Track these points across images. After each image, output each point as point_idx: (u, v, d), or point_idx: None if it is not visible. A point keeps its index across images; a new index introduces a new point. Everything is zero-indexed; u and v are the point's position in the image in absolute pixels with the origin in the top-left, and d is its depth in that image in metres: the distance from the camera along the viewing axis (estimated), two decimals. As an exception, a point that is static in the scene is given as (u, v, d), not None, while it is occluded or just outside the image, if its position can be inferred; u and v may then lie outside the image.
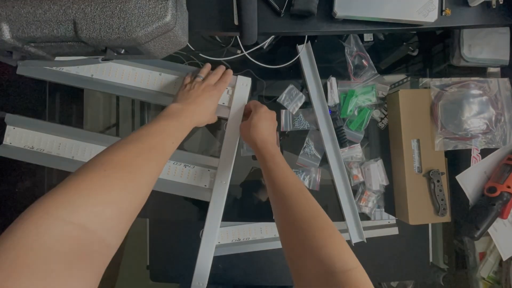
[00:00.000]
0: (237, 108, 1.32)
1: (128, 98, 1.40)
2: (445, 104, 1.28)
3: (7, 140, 1.35)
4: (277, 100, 1.40)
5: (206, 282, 1.27)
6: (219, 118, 1.33)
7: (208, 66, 1.31)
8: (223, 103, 1.33)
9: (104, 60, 1.00)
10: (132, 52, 0.98)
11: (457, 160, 1.36)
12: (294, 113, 1.40)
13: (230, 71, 1.30)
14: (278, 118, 1.38)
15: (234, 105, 1.31)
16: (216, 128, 1.44)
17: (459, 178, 1.34)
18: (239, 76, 1.32)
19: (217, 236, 1.30)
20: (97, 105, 1.44)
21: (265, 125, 1.19)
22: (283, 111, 1.40)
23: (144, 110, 1.51)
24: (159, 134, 0.94)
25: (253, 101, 1.31)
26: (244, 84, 1.32)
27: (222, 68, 1.30)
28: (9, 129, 1.36)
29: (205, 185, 1.32)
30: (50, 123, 1.35)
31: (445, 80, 1.32)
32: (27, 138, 1.35)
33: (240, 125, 1.28)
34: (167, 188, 1.31)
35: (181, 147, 1.21)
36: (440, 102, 1.29)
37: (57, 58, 1.05)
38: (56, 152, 1.34)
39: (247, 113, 1.30)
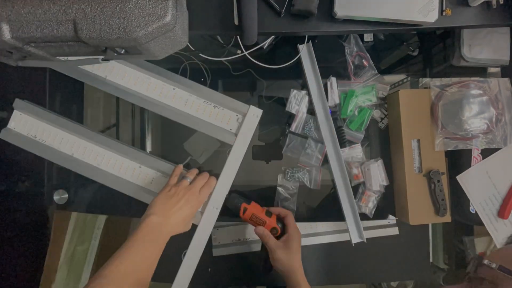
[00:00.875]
0: (243, 137, 1.32)
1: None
2: (445, 104, 1.28)
3: (11, 124, 1.35)
4: (286, 109, 1.39)
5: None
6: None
7: (195, 170, 1.31)
8: (230, 129, 1.34)
9: (104, 60, 1.00)
10: (132, 52, 0.98)
11: (457, 160, 1.36)
12: (305, 113, 1.40)
13: (214, 178, 1.31)
14: (291, 120, 1.39)
15: (241, 133, 1.31)
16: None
17: (459, 178, 1.34)
18: (251, 107, 1.32)
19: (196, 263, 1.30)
20: (97, 105, 1.43)
21: (299, 254, 1.21)
22: (298, 115, 1.39)
23: (144, 110, 1.51)
24: (142, 271, 1.03)
25: (289, 215, 1.28)
26: (255, 115, 1.32)
27: (207, 174, 1.31)
28: (15, 114, 1.36)
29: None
30: (58, 116, 1.35)
31: (445, 80, 1.32)
32: (32, 127, 1.35)
33: (275, 256, 1.19)
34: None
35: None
36: (440, 102, 1.29)
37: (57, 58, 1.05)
38: (57, 146, 1.34)
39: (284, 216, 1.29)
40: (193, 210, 1.19)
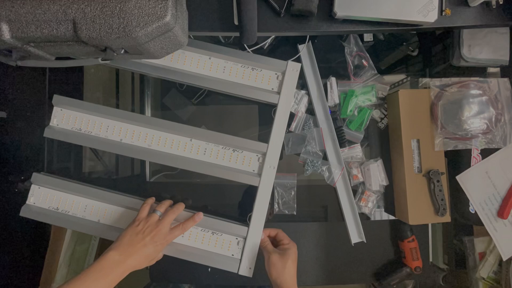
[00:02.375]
0: (286, 94, 1.30)
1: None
2: (445, 104, 1.28)
3: (54, 121, 1.33)
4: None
5: (254, 265, 1.27)
6: (269, 104, 1.33)
7: (168, 202, 1.28)
8: (272, 89, 1.33)
9: (104, 60, 1.00)
10: (132, 51, 0.98)
11: (457, 160, 1.36)
12: (304, 113, 1.40)
13: (195, 218, 1.26)
14: (291, 119, 1.38)
15: (283, 91, 1.30)
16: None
17: (459, 178, 1.34)
18: (289, 62, 1.31)
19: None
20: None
21: (295, 265, 1.18)
22: (297, 115, 1.39)
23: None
24: None
25: (279, 231, 1.27)
26: (294, 69, 1.31)
27: (182, 206, 1.27)
28: (56, 110, 1.33)
29: (253, 170, 1.31)
30: (96, 104, 1.33)
31: (445, 80, 1.32)
32: (75, 120, 1.33)
33: (271, 259, 1.17)
34: (219, 173, 1.30)
35: (226, 131, 1.28)
36: (440, 102, 1.29)
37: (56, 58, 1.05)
38: (104, 134, 1.32)
39: (278, 237, 1.27)
40: (157, 248, 1.15)
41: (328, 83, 1.39)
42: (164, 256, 1.23)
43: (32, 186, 1.33)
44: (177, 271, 1.46)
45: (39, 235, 1.61)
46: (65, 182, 1.32)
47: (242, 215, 1.35)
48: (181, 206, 1.25)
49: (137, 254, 1.10)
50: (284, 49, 1.43)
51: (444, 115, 1.28)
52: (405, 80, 1.47)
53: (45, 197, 1.33)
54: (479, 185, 1.34)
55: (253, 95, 1.31)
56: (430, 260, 1.51)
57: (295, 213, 1.40)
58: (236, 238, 1.29)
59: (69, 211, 1.32)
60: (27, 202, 1.33)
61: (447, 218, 1.30)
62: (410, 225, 1.35)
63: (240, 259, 1.26)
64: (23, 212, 1.31)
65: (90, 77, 1.56)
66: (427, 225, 1.50)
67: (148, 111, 1.54)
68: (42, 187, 1.34)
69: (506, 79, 1.32)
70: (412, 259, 1.39)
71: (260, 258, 1.23)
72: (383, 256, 1.45)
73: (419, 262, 1.40)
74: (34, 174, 1.33)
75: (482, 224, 1.34)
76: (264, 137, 1.33)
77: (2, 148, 1.44)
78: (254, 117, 1.48)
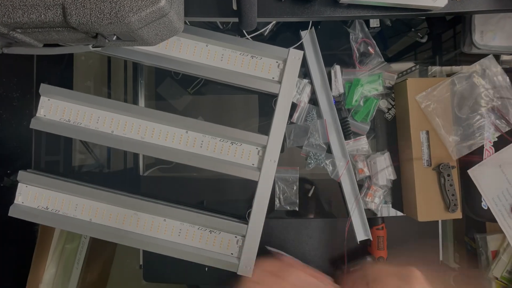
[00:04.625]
0: (288, 83, 1.30)
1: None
2: (456, 93, 1.28)
3: (41, 112, 1.32)
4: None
5: (253, 265, 1.27)
6: (269, 94, 1.33)
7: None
8: (273, 78, 1.33)
9: (95, 47, 1.00)
10: (125, 38, 0.98)
11: (469, 153, 1.35)
12: (307, 103, 1.40)
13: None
14: (293, 109, 1.39)
15: (285, 80, 1.30)
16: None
17: (471, 172, 1.34)
18: (291, 49, 1.30)
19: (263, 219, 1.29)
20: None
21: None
22: (300, 105, 1.39)
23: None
24: None
25: (278, 262, 1.17)
26: (296, 57, 1.30)
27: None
28: (43, 100, 1.32)
29: (253, 164, 1.32)
30: (88, 94, 1.31)
31: (456, 69, 1.32)
32: (63, 110, 1.32)
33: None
34: (217, 167, 1.30)
35: (224, 122, 1.27)
36: (451, 91, 1.29)
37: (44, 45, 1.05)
38: (95, 126, 1.31)
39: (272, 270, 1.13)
40: None
41: (332, 71, 1.39)
42: (159, 255, 1.24)
43: (20, 184, 1.33)
44: (172, 271, 1.47)
45: (26, 232, 1.62)
46: (54, 181, 1.32)
47: (241, 212, 1.36)
48: None
49: None
50: (285, 36, 1.43)
51: (455, 105, 1.28)
52: (413, 68, 1.47)
53: (34, 196, 1.33)
54: (492, 179, 1.34)
55: (252, 84, 1.30)
56: (440, 259, 1.51)
57: (297, 209, 1.41)
58: (235, 237, 1.29)
59: (59, 210, 1.33)
60: (15, 201, 1.33)
61: (458, 215, 1.30)
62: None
63: (240, 259, 1.27)
64: (12, 212, 1.31)
65: (80, 65, 1.56)
66: (437, 222, 1.51)
67: (141, 101, 1.54)
68: (29, 185, 1.33)
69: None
70: (377, 248, 1.40)
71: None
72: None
73: (383, 253, 1.41)
74: (21, 173, 1.32)
75: (495, 221, 1.34)
76: (264, 129, 1.33)
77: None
78: (254, 108, 1.48)
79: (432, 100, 1.28)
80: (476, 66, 1.30)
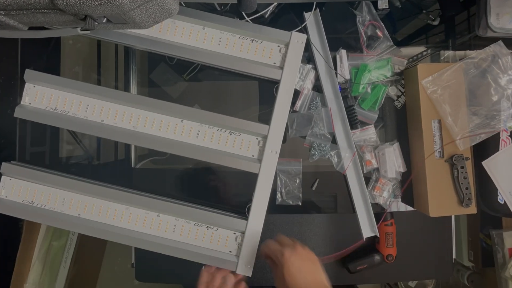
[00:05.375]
0: (290, 68, 1.29)
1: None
2: (471, 80, 1.28)
3: (26, 100, 1.31)
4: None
5: (253, 263, 1.27)
6: (270, 81, 1.33)
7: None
8: (274, 63, 1.32)
9: (83, 30, 1.00)
10: (116, 21, 0.98)
11: (483, 144, 1.35)
12: (311, 90, 1.40)
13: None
14: (296, 97, 1.39)
15: (287, 66, 1.30)
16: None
17: (486, 164, 1.34)
18: (293, 32, 1.30)
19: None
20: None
21: (306, 269, 1.08)
22: (303, 92, 1.40)
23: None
24: None
25: (279, 238, 1.19)
26: (299, 41, 1.30)
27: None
28: (28, 87, 1.31)
29: (253, 155, 1.32)
30: (77, 81, 1.30)
31: (470, 53, 1.32)
32: (50, 98, 1.32)
33: (273, 274, 1.14)
34: (214, 158, 1.29)
35: (222, 111, 1.26)
36: (465, 77, 1.29)
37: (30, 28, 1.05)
38: (84, 115, 1.31)
39: (269, 256, 1.17)
40: None
41: (337, 56, 1.39)
42: (152, 253, 1.24)
43: (3, 177, 1.33)
44: (167, 270, 1.47)
45: (10, 228, 1.62)
46: (40, 173, 1.32)
47: (240, 206, 1.36)
48: None
49: None
50: (287, 18, 1.43)
51: (470, 92, 1.28)
52: (424, 53, 1.47)
53: (18, 190, 1.33)
54: (509, 172, 1.34)
55: (252, 70, 1.30)
56: (454, 257, 1.52)
57: (300, 203, 1.41)
58: (234, 233, 1.30)
59: (45, 205, 1.32)
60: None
61: (472, 209, 1.30)
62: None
63: (238, 257, 1.27)
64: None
65: (68, 49, 1.56)
66: (450, 218, 1.51)
67: (133, 88, 1.54)
68: (14, 178, 1.33)
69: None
70: (386, 245, 1.42)
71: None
72: (400, 252, 1.45)
73: (392, 250, 1.42)
74: (4, 165, 1.32)
75: (512, 216, 1.34)
76: (265, 118, 1.33)
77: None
78: (254, 95, 1.49)
79: (439, 86, 1.28)
80: (486, 51, 1.30)
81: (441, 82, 1.29)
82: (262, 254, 1.19)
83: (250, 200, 1.28)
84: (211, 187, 1.46)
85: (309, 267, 1.09)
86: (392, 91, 1.41)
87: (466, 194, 1.28)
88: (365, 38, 1.38)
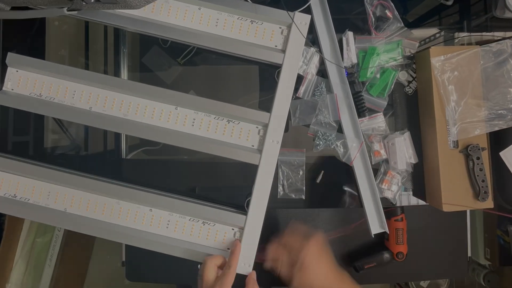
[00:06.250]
0: (293, 51, 1.30)
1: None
2: (487, 65, 1.29)
3: (8, 85, 1.31)
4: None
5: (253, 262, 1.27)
6: (271, 65, 1.34)
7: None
8: (276, 46, 1.33)
9: (70, 10, 1.00)
10: (104, 0, 0.98)
11: (501, 133, 1.35)
12: (315, 75, 1.40)
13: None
14: (299, 83, 1.39)
15: (289, 49, 1.30)
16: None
17: (504, 154, 1.34)
18: (296, 13, 1.30)
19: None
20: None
21: (323, 264, 1.17)
22: (306, 77, 1.40)
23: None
24: None
25: (293, 226, 1.27)
26: (302, 22, 1.30)
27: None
28: (11, 71, 1.31)
29: (253, 145, 1.32)
30: (64, 66, 1.30)
31: (487, 36, 1.32)
32: (33, 85, 1.31)
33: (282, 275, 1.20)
34: (211, 148, 1.29)
35: (219, 97, 1.27)
36: (482, 63, 1.29)
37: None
38: (70, 102, 1.31)
39: (275, 254, 1.24)
40: None
41: (344, 38, 1.39)
42: (144, 251, 1.25)
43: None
44: (160, 269, 1.48)
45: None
46: (23, 164, 1.32)
47: (239, 200, 1.37)
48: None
49: None
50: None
51: (486, 80, 1.28)
52: (438, 35, 1.47)
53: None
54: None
55: (252, 53, 1.31)
56: (469, 255, 1.52)
57: (303, 197, 1.42)
58: (232, 229, 1.30)
59: (29, 198, 1.32)
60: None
61: (489, 204, 1.30)
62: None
63: None
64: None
65: (54, 31, 1.56)
66: (464, 213, 1.52)
67: (124, 73, 1.54)
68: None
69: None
70: (396, 242, 1.42)
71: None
72: (412, 250, 1.46)
73: (403, 247, 1.43)
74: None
75: (532, 211, 1.35)
76: (265, 105, 1.34)
77: None
78: (254, 81, 1.49)
79: (450, 68, 1.29)
80: (507, 43, 1.30)
81: (452, 64, 1.29)
82: (271, 257, 1.23)
83: (249, 194, 1.29)
84: (208, 180, 1.47)
85: (328, 260, 1.18)
86: (403, 76, 1.41)
87: (482, 187, 1.28)
88: (373, 19, 1.38)
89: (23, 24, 1.43)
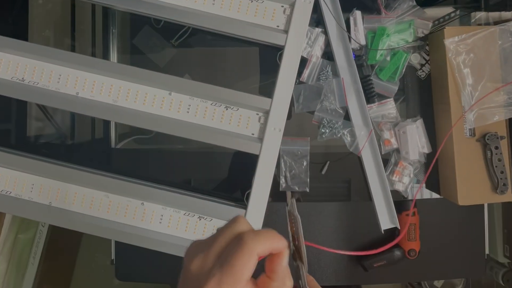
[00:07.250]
0: (296, 32, 1.29)
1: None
2: (506, 46, 1.29)
3: None
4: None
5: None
6: (273, 47, 1.33)
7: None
8: (277, 26, 1.32)
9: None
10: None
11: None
12: (320, 57, 1.41)
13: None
14: (302, 66, 1.39)
15: (292, 29, 1.29)
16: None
17: (524, 143, 1.35)
18: None
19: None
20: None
21: None
22: (311, 60, 1.40)
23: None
24: None
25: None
26: (307, 0, 1.29)
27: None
28: None
29: (253, 134, 1.31)
30: (48, 47, 1.30)
31: (506, 15, 1.32)
32: (15, 68, 1.31)
33: None
34: (207, 137, 1.29)
35: (216, 82, 1.28)
36: (499, 43, 1.29)
37: None
38: (55, 86, 1.30)
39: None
40: None
41: (351, 18, 1.40)
42: (135, 248, 1.25)
43: None
44: (152, 268, 1.49)
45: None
46: (4, 155, 1.32)
47: (238, 193, 1.37)
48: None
49: None
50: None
51: (505, 62, 1.29)
52: (452, 14, 1.47)
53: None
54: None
55: (252, 34, 1.30)
56: (486, 252, 1.53)
57: (307, 189, 1.43)
58: (231, 225, 1.30)
59: (10, 191, 1.32)
60: None
61: (508, 197, 1.31)
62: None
63: None
64: None
65: (37, 10, 1.56)
66: (482, 207, 1.52)
67: (113, 56, 1.54)
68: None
69: None
70: (408, 239, 1.42)
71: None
72: (425, 248, 1.46)
73: (415, 244, 1.42)
74: None
75: (555, 205, 1.35)
76: (266, 90, 1.34)
77: None
78: (254, 64, 1.49)
79: (465, 49, 1.29)
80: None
81: (468, 45, 1.29)
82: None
83: (249, 186, 1.29)
84: (204, 171, 1.47)
85: None
86: (415, 58, 1.41)
87: (501, 178, 1.29)
88: (383, -3, 1.39)
89: (3, 2, 1.43)
